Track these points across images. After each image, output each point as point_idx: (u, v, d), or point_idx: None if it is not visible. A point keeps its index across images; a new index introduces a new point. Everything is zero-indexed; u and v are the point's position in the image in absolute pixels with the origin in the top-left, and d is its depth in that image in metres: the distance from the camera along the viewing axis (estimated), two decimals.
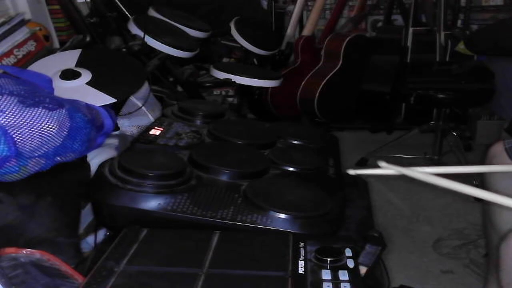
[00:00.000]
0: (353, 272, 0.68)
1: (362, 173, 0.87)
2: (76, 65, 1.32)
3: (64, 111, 0.90)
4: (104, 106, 1.14)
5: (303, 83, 2.60)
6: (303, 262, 0.70)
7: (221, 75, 2.03)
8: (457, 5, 3.15)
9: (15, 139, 0.81)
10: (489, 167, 1.20)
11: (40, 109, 0.86)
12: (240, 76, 2.04)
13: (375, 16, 3.63)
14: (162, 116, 1.30)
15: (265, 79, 2.16)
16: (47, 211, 0.89)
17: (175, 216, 0.84)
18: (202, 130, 1.20)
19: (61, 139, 0.89)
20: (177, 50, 1.83)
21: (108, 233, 1.02)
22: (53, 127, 0.87)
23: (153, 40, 1.77)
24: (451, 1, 3.01)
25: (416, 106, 2.58)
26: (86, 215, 1.02)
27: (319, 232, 0.84)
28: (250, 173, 0.99)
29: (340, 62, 2.60)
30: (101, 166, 0.95)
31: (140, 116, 1.39)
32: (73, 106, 0.95)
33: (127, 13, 2.02)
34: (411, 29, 2.86)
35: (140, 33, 1.77)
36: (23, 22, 1.42)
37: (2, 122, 0.80)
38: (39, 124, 0.85)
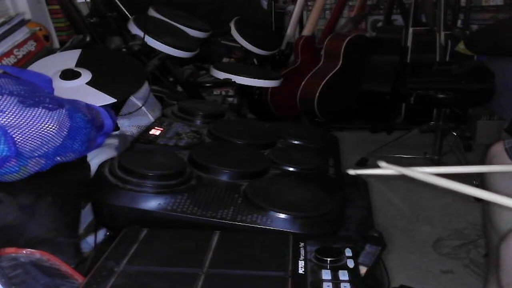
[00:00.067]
0: (353, 272, 0.68)
1: (362, 173, 0.87)
2: (76, 65, 1.32)
3: (64, 111, 0.90)
4: (104, 106, 1.14)
5: (303, 83, 2.60)
6: (303, 262, 0.70)
7: (221, 75, 2.03)
8: (457, 5, 3.15)
9: (15, 139, 0.81)
10: (489, 167, 1.20)
11: (40, 109, 0.86)
12: (240, 76, 2.04)
13: (375, 16, 3.63)
14: (162, 116, 1.30)
15: (265, 79, 2.16)
16: (47, 211, 0.89)
17: (175, 216, 0.84)
18: (202, 130, 1.20)
19: (61, 139, 0.89)
20: (177, 50, 1.83)
21: (108, 233, 1.02)
22: (53, 127, 0.87)
23: (153, 40, 1.77)
24: (451, 1, 3.01)
25: (416, 106, 2.57)
26: (86, 215, 1.02)
27: (319, 232, 0.84)
28: (250, 173, 0.99)
29: (340, 62, 2.60)
30: (101, 166, 0.95)
31: (140, 116, 1.39)
32: (73, 106, 0.95)
33: (127, 13, 2.02)
34: (411, 29, 2.86)
35: (140, 33, 1.77)
36: (23, 22, 1.42)
37: (2, 122, 0.80)
38: (39, 124, 0.85)
